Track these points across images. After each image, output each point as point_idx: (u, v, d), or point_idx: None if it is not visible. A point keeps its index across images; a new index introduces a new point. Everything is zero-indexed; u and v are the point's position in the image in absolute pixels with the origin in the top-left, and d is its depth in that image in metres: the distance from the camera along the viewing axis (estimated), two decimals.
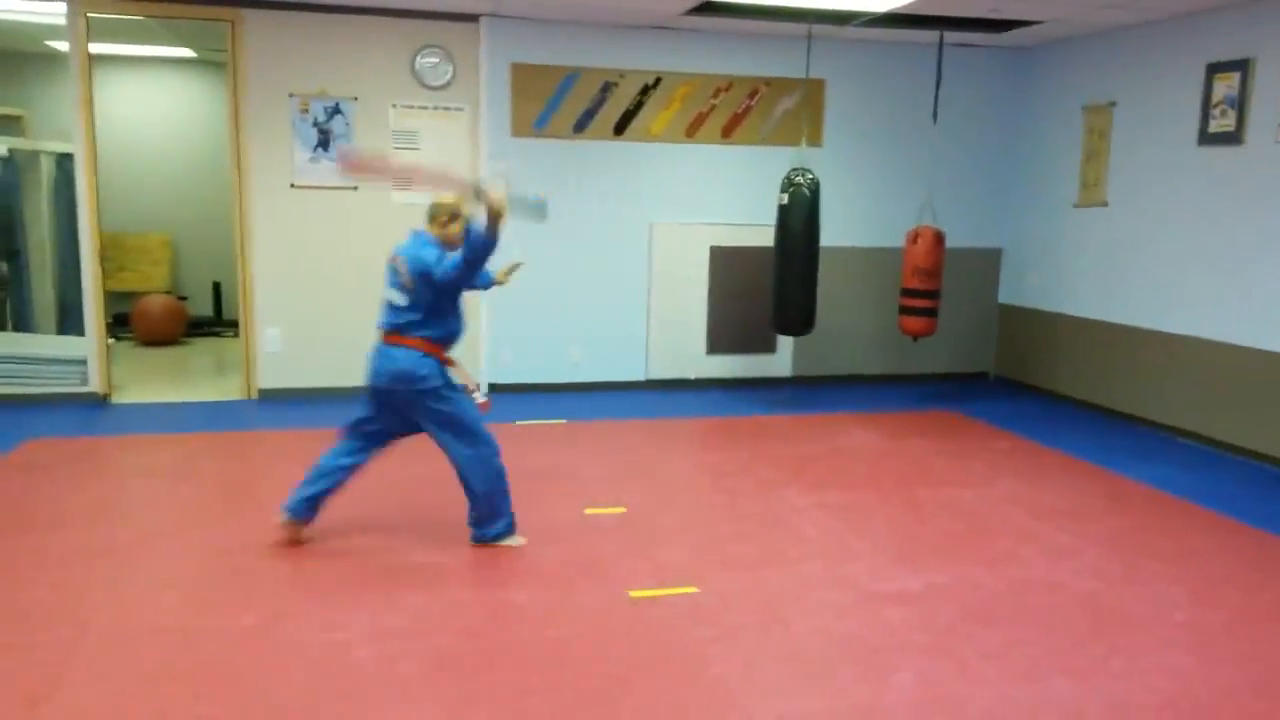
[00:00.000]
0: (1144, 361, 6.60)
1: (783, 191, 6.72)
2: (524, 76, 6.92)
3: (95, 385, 6.67)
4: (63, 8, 6.25)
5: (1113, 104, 6.84)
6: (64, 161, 7.10)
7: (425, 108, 6.86)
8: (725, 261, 7.44)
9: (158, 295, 9.20)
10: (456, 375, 4.09)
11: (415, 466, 4.78)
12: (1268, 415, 5.72)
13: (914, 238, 6.95)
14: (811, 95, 7.34)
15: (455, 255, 3.85)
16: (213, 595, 3.71)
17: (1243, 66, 5.80)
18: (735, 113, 7.31)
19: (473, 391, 4.10)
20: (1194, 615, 3.72)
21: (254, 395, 6.89)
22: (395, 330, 4.00)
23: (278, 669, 3.16)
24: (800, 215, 6.67)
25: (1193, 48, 6.16)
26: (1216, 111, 5.99)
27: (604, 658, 3.29)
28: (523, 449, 5.70)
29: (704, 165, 7.34)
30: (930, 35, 7.02)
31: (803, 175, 6.70)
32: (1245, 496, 5.17)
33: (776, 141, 7.38)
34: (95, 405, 6.61)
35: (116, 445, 5.73)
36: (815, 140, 7.40)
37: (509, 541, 4.21)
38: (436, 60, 6.82)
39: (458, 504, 4.22)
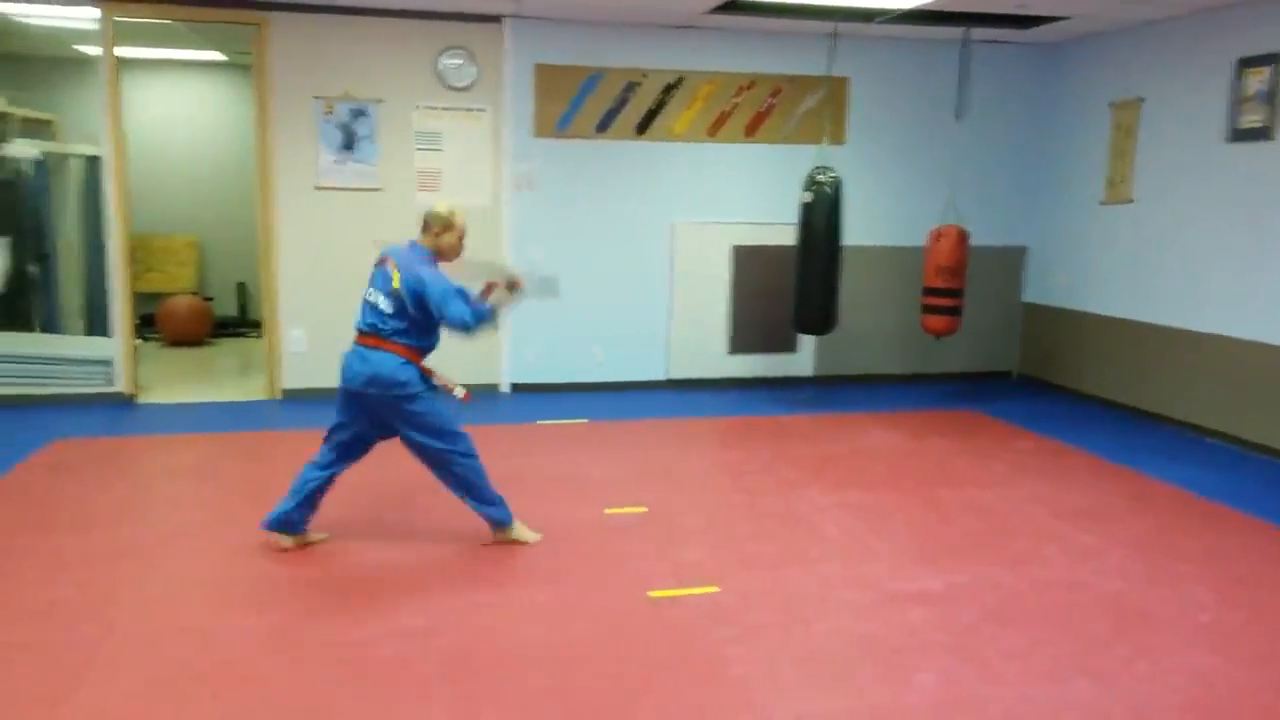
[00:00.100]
0: (1171, 360, 6.52)
1: (805, 190, 6.70)
2: (547, 77, 6.94)
3: (122, 386, 6.75)
4: (93, 13, 6.34)
5: (1140, 100, 6.77)
6: (93, 164, 7.17)
7: (448, 109, 6.89)
8: (747, 261, 7.43)
9: (184, 296, 9.30)
10: (434, 378, 4.06)
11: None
12: None
13: (937, 236, 6.91)
14: (834, 93, 7.31)
15: (460, 307, 3.85)
16: (234, 595, 3.74)
17: (1275, 60, 5.72)
18: (758, 111, 7.29)
19: (451, 389, 4.05)
20: (1219, 616, 3.67)
21: (278, 395, 6.95)
22: (375, 334, 3.93)
23: (298, 669, 3.18)
24: (822, 214, 6.65)
25: (1222, 42, 6.09)
26: (1247, 107, 5.91)
27: (623, 658, 3.29)
28: (544, 449, 5.73)
29: (726, 164, 7.33)
30: (954, 32, 6.98)
31: (825, 174, 6.68)
32: (1273, 497, 5.10)
33: (799, 140, 7.35)
34: (122, 405, 6.69)
35: (142, 445, 5.80)
36: (838, 139, 7.37)
37: (525, 537, 4.23)
38: (460, 61, 6.85)
39: None
